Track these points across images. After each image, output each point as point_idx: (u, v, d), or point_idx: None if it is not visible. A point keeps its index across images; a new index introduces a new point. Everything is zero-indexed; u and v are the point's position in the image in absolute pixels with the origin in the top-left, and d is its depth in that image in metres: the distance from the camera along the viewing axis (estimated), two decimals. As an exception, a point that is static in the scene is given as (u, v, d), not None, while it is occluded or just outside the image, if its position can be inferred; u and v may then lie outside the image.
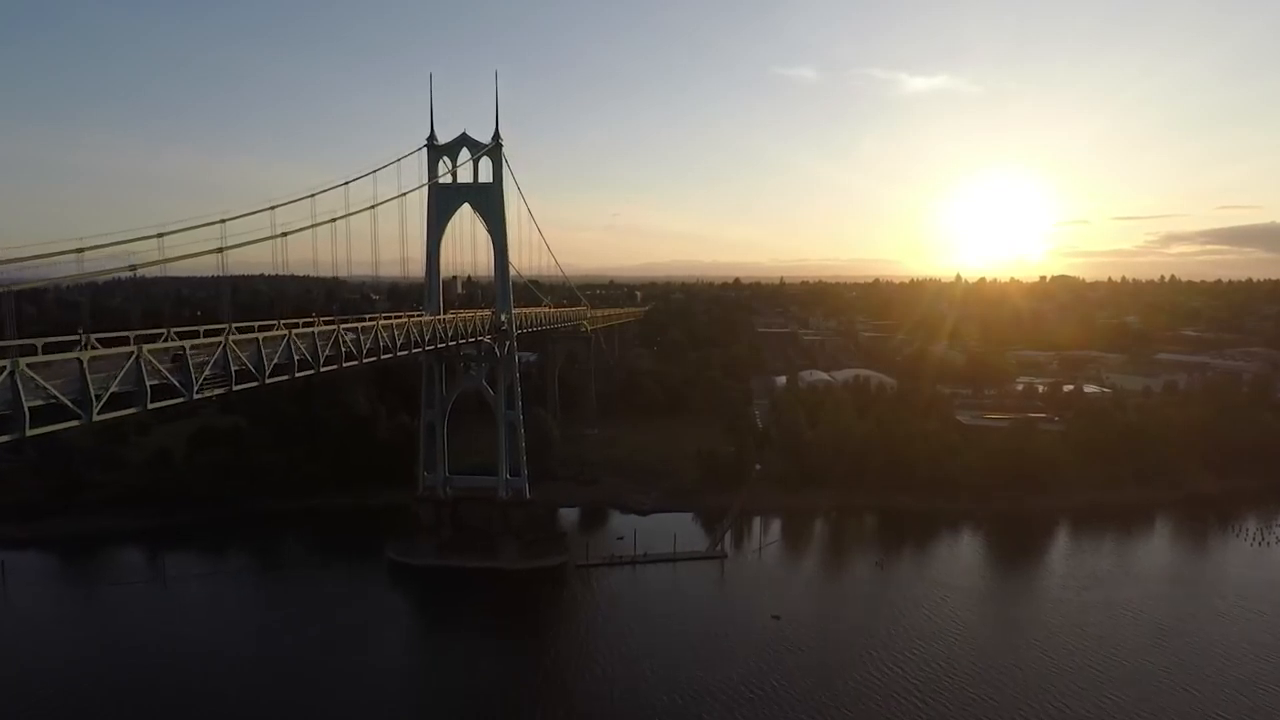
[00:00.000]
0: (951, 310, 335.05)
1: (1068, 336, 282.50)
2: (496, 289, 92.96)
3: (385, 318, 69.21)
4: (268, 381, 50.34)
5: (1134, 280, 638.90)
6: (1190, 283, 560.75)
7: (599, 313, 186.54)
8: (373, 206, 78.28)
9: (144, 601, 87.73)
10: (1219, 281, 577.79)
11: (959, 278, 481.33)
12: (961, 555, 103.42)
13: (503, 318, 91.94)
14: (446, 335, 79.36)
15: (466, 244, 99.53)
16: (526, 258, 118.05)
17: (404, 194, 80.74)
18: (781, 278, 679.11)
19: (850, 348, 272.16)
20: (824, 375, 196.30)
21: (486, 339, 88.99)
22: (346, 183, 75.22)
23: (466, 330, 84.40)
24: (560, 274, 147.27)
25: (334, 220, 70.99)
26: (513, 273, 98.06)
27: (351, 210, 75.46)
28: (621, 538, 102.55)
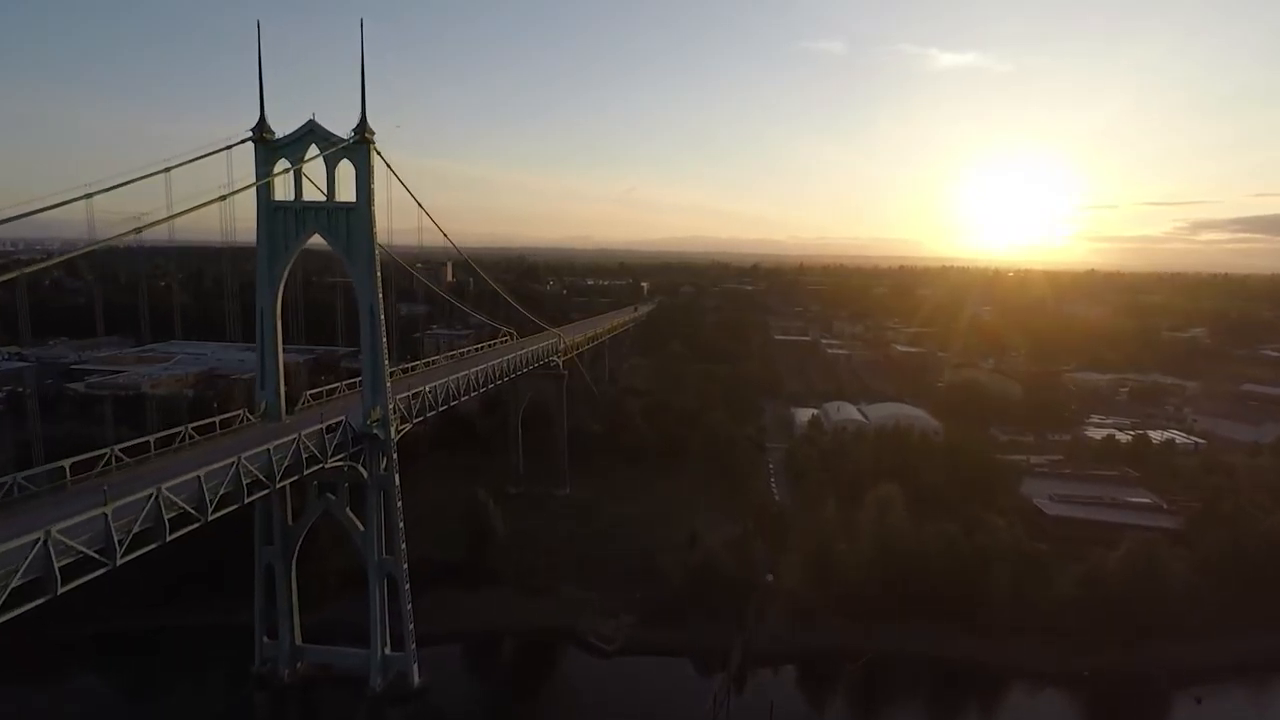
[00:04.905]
0: (993, 316, 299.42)
1: (1127, 352, 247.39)
2: (364, 373, 59.06)
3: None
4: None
5: (1178, 273, 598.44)
6: (1244, 279, 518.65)
7: (582, 335, 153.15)
8: (196, 207, 47.18)
9: None
10: (1274, 275, 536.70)
11: (996, 273, 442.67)
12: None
13: (373, 417, 58.39)
14: (277, 473, 46.96)
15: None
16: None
17: (184, 211, 47.54)
18: (801, 262, 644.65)
19: (881, 364, 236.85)
20: (854, 412, 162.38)
21: (342, 464, 55.74)
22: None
23: (320, 450, 51.70)
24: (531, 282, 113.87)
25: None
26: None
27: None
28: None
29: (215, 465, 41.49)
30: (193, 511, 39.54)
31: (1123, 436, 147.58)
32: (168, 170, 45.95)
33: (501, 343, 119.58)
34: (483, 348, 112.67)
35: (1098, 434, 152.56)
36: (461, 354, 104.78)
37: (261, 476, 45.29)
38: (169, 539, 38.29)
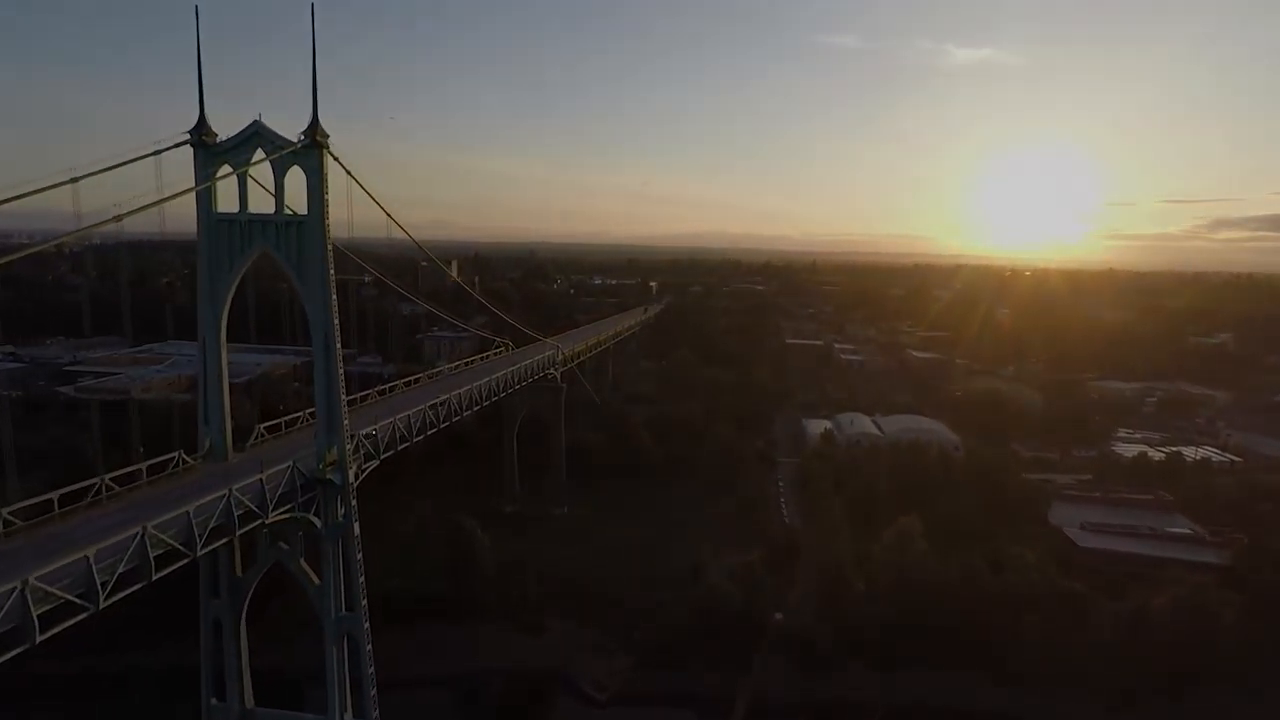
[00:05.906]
0: (1010, 319, 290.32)
1: (1151, 358, 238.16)
2: (318, 408, 52.04)
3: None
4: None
5: (1200, 273, 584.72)
6: (1268, 279, 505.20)
7: (583, 343, 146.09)
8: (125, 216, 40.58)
9: None
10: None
11: (1013, 272, 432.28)
12: None
13: (328, 459, 51.40)
14: (199, 538, 40.19)
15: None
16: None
17: (100, 223, 40.78)
18: (813, 260, 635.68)
19: (896, 371, 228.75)
20: (869, 425, 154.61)
21: (297, 514, 48.89)
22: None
23: (260, 504, 44.94)
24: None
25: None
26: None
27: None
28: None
29: (109, 541, 34.33)
30: (76, 600, 32.73)
31: (1154, 454, 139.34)
32: (75, 181, 39.19)
33: (497, 354, 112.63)
34: (472, 362, 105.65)
35: (1127, 450, 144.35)
36: (455, 368, 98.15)
37: (178, 545, 38.47)
38: (39, 640, 31.37)
